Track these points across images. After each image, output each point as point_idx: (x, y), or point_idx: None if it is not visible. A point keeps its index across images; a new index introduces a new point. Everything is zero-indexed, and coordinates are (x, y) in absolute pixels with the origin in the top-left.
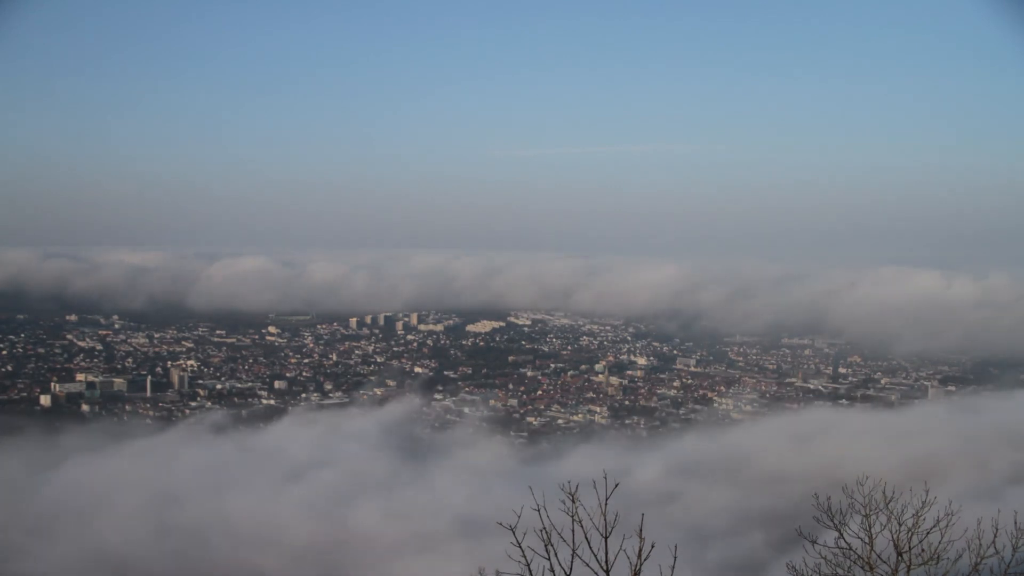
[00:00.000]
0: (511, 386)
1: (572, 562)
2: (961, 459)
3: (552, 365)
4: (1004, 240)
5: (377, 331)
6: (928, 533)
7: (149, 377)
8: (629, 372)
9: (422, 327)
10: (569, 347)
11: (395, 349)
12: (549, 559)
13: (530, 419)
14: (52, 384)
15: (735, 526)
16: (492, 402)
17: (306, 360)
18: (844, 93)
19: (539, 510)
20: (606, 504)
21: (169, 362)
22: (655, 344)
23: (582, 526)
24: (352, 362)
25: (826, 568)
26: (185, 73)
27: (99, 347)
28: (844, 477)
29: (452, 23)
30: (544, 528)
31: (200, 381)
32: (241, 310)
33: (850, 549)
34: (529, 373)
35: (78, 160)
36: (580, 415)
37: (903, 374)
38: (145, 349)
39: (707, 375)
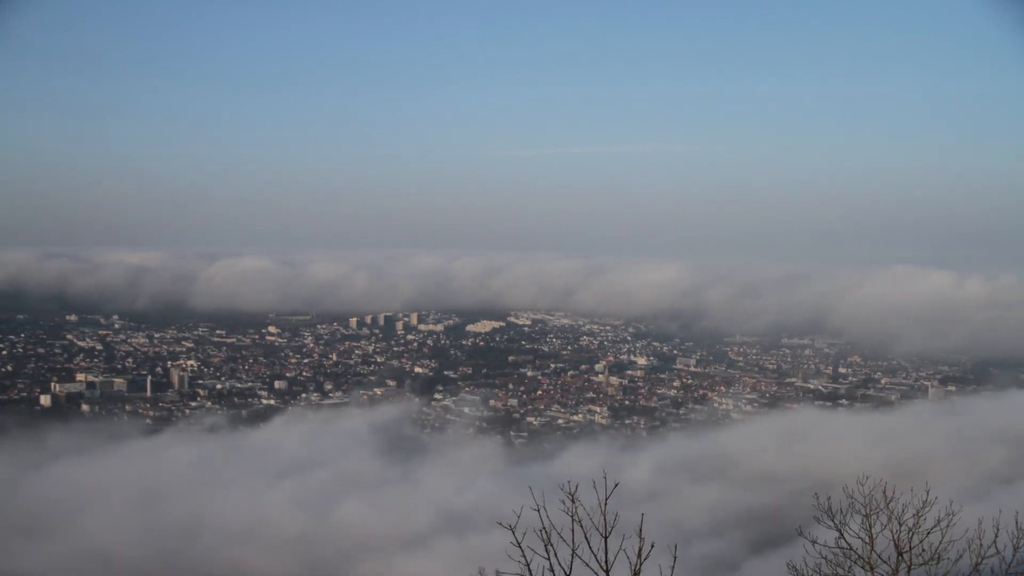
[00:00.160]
0: (511, 386)
1: (572, 562)
2: (948, 459)
3: (552, 365)
4: (1005, 240)
5: (377, 331)
6: (929, 533)
7: (149, 377)
8: (629, 372)
9: (422, 327)
10: (569, 347)
11: (395, 349)
12: (549, 559)
13: (530, 419)
14: (52, 384)
15: (715, 525)
16: (492, 402)
17: (306, 360)
18: (844, 93)
19: (539, 510)
20: (606, 504)
21: (169, 362)
22: (655, 344)
23: (582, 526)
24: (352, 362)
25: (826, 568)
26: (185, 73)
27: (99, 347)
28: (826, 477)
29: (452, 23)
30: (544, 528)
31: (200, 381)
32: (241, 310)
33: (851, 549)
34: (529, 373)
35: (78, 160)
36: (580, 415)
37: (903, 374)
38: (145, 349)
39: (707, 375)
